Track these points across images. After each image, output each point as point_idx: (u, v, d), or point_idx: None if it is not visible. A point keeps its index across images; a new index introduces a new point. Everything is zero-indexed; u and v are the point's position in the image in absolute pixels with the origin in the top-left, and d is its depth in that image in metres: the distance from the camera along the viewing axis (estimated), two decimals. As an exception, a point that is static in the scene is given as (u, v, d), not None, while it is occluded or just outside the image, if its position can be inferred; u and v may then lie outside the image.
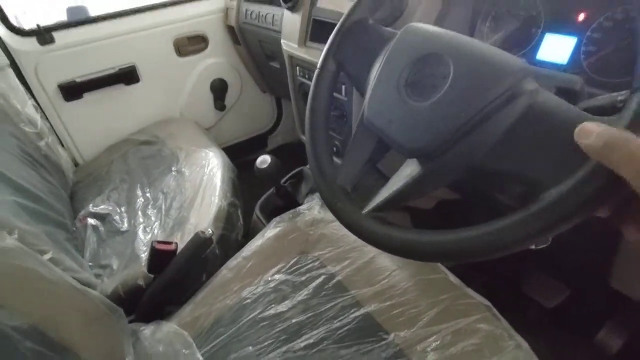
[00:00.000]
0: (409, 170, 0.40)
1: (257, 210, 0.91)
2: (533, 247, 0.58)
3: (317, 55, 0.54)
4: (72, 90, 1.12)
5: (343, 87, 0.72)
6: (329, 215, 0.70)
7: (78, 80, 1.11)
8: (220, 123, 1.40)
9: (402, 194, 0.40)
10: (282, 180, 0.91)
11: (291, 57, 0.85)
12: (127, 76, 1.17)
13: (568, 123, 0.32)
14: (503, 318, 0.52)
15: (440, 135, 0.36)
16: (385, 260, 0.61)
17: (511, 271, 0.90)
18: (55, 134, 1.15)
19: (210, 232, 0.69)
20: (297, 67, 0.85)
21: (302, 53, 0.80)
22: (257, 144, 1.53)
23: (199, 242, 0.67)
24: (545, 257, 0.80)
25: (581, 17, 0.53)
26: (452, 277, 0.58)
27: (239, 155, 1.33)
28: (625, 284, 0.58)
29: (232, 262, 0.67)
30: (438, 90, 0.37)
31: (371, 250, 0.63)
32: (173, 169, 1.01)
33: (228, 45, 1.28)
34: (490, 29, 0.63)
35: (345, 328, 0.55)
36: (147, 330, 0.64)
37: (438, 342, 0.50)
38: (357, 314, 0.56)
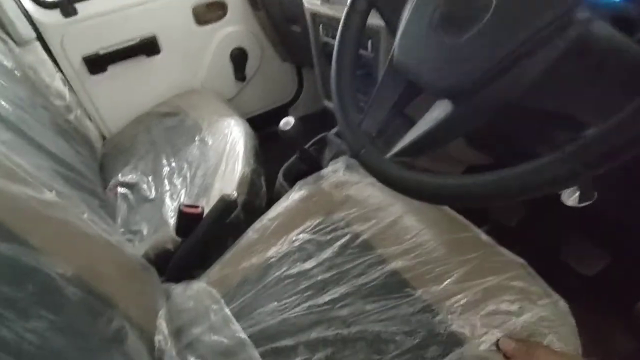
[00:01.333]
0: (438, 111, 0.38)
1: (280, 176, 0.91)
2: (578, 204, 0.55)
3: (341, 10, 0.52)
4: (96, 63, 1.13)
5: (369, 41, 0.68)
6: (354, 177, 0.69)
7: (102, 52, 1.12)
8: (241, 94, 1.39)
9: (430, 137, 0.38)
10: (306, 146, 0.90)
11: (314, 15, 0.82)
12: (148, 47, 1.17)
13: (622, 57, 0.29)
14: (539, 276, 0.50)
15: (477, 71, 0.34)
16: (413, 220, 0.59)
17: (550, 238, 0.86)
18: (83, 107, 1.18)
19: (235, 194, 0.69)
20: (321, 26, 0.82)
21: (325, 9, 0.76)
22: (278, 115, 1.52)
23: (224, 205, 0.68)
24: (587, 222, 0.76)
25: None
26: (484, 236, 0.56)
27: (261, 127, 1.32)
28: None
29: (258, 224, 0.68)
30: (477, 22, 0.34)
31: (398, 210, 0.61)
32: (196, 138, 1.01)
33: (247, 11, 1.25)
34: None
35: (371, 284, 0.54)
36: (178, 289, 0.66)
37: (468, 298, 0.49)
38: (383, 270, 0.55)
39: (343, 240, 0.61)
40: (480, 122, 0.39)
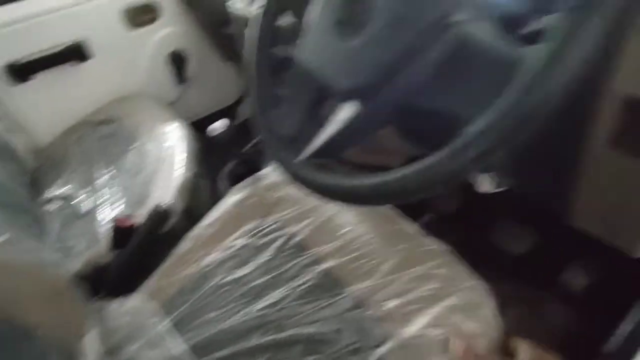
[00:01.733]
0: (344, 112, 0.39)
1: (221, 180, 0.89)
2: (494, 190, 0.58)
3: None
4: (20, 71, 1.06)
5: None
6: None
7: (25, 60, 1.05)
8: (184, 97, 1.35)
9: (339, 138, 0.39)
10: (247, 147, 0.89)
11: (241, 18, 0.81)
12: (77, 53, 1.10)
13: (495, 57, 0.31)
14: (463, 261, 0.52)
15: (369, 75, 0.35)
16: (345, 217, 0.60)
17: (480, 224, 0.91)
18: (9, 118, 1.09)
19: (169, 204, 0.67)
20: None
21: (250, 12, 0.76)
22: (227, 116, 1.49)
23: (158, 215, 0.66)
24: (511, 204, 0.81)
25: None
26: (411, 227, 0.57)
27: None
28: (586, 221, 0.59)
29: (193, 232, 0.66)
30: (367, 26, 0.35)
31: (331, 208, 0.62)
32: (133, 146, 0.97)
33: (183, 13, 1.21)
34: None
35: (305, 285, 0.55)
36: (113, 305, 0.63)
37: (396, 290, 0.50)
38: (317, 270, 0.55)
39: (278, 242, 0.60)
40: (387, 121, 0.40)
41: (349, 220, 0.59)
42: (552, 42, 0.27)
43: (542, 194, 0.59)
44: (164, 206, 0.65)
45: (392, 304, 0.49)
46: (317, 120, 0.46)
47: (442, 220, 0.93)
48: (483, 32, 0.32)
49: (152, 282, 0.64)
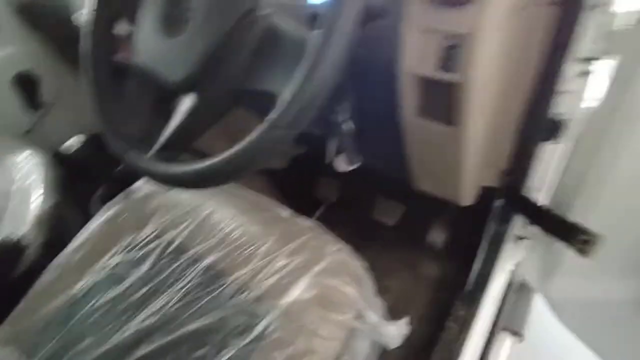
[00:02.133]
0: (185, 105, 0.41)
1: (94, 205, 0.83)
2: (348, 168, 0.65)
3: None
4: None
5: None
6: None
7: None
8: (42, 124, 1.21)
9: (184, 130, 0.41)
10: (119, 168, 0.84)
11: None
12: None
13: (295, 41, 0.37)
14: (330, 232, 0.58)
15: (197, 66, 0.38)
16: (222, 213, 0.62)
17: (362, 202, 1.01)
18: None
19: (21, 237, 0.60)
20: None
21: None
22: (97, 138, 1.37)
23: (6, 251, 0.58)
24: (381, 183, 0.93)
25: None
26: (284, 211, 0.62)
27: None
28: (423, 183, 0.71)
29: (57, 261, 0.60)
30: (188, 22, 0.38)
31: (208, 207, 0.63)
32: (-24, 183, 0.84)
33: (26, 29, 1.09)
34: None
35: (187, 286, 0.55)
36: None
37: (273, 268, 0.54)
38: (198, 269, 0.56)
39: (156, 251, 0.59)
40: (226, 106, 0.43)
41: (225, 215, 0.61)
42: (322, 28, 0.34)
43: (388, 166, 0.70)
44: (14, 239, 0.58)
45: (270, 281, 0.52)
46: (166, 116, 0.47)
47: (331, 210, 1.02)
48: (284, 22, 0.38)
49: (7, 327, 0.56)
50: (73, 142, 0.67)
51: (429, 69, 0.50)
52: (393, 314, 0.80)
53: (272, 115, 0.34)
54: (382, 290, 0.84)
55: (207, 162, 0.37)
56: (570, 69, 0.58)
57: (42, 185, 0.78)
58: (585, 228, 0.58)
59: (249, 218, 0.61)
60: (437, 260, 0.88)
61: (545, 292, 0.68)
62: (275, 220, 0.60)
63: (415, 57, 0.50)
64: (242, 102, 0.43)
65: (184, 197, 0.65)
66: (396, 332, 0.52)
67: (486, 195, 0.75)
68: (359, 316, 0.50)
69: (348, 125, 0.59)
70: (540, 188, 0.69)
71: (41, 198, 0.74)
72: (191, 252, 0.58)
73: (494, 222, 0.75)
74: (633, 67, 0.46)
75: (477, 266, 0.80)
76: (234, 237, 0.58)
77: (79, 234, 0.63)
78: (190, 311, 0.52)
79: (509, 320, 0.86)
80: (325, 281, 0.51)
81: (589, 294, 0.63)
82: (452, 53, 0.47)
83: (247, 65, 0.38)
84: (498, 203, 0.73)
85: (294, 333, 0.48)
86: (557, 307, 0.68)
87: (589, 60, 0.58)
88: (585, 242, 0.59)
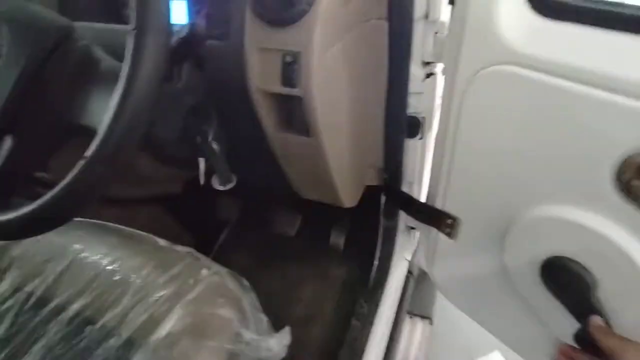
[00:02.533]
0: (2, 149, 0.38)
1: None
2: (225, 187, 0.65)
3: None
4: None
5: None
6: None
7: None
8: None
9: (4, 175, 0.38)
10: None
11: None
12: None
13: (110, 72, 0.36)
14: (204, 256, 0.57)
15: (7, 104, 0.35)
16: (90, 254, 0.58)
17: (260, 217, 1.01)
18: None
19: None
20: None
21: None
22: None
23: None
24: (275, 195, 0.94)
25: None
26: (160, 241, 0.60)
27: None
28: (305, 191, 0.73)
29: None
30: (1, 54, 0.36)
31: (72, 251, 0.58)
32: None
33: None
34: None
35: (53, 339, 0.50)
36: None
37: (146, 302, 0.51)
38: (63, 320, 0.52)
39: (15, 308, 0.54)
40: (50, 147, 0.41)
41: (94, 256, 0.57)
42: (128, 56, 0.33)
43: (269, 181, 0.71)
44: None
45: (142, 318, 0.50)
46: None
47: (235, 231, 1.00)
48: (100, 53, 0.37)
49: None
50: None
51: (275, 85, 0.51)
52: (305, 323, 0.81)
53: (89, 151, 0.33)
54: (293, 301, 0.85)
55: (21, 211, 0.34)
56: (417, 72, 0.64)
57: None
58: (448, 214, 0.64)
59: (122, 253, 0.57)
60: (342, 261, 0.91)
61: (432, 275, 0.73)
62: (149, 252, 0.57)
63: (260, 75, 0.51)
64: (68, 138, 0.41)
65: (45, 243, 0.59)
66: (277, 344, 0.52)
67: (374, 193, 0.80)
68: (237, 337, 0.49)
69: (214, 146, 0.59)
70: (414, 181, 0.75)
71: None
72: (54, 302, 0.53)
73: (384, 217, 0.79)
74: (450, 71, 0.52)
75: (375, 262, 0.85)
76: (104, 277, 0.55)
77: None
78: (57, 365, 0.48)
79: (416, 307, 0.92)
80: (199, 308, 0.50)
81: (465, 271, 0.69)
82: (290, 69, 0.49)
83: (66, 99, 0.36)
84: (383, 200, 0.78)
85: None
86: (443, 288, 0.74)
87: (429, 64, 0.65)
88: (450, 226, 0.65)
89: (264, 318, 0.56)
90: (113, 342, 0.49)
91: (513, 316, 0.64)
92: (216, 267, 0.55)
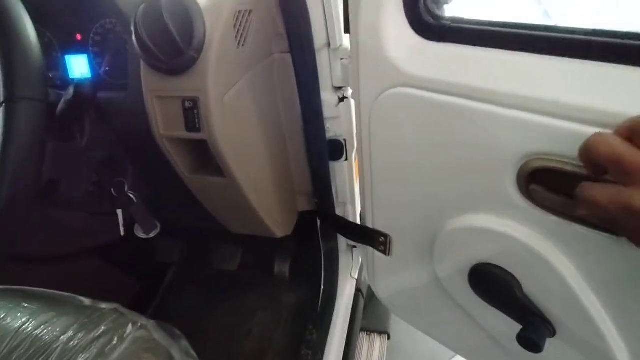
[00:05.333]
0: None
1: None
2: (148, 236, 0.64)
3: None
4: None
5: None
6: None
7: None
8: None
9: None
10: None
11: None
12: None
13: None
14: (130, 311, 0.55)
15: None
16: (8, 323, 0.55)
17: (200, 255, 1.00)
18: None
19: None
20: None
21: None
22: None
23: None
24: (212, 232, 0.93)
25: (78, 37, 0.59)
26: (85, 300, 0.58)
27: None
28: (237, 228, 0.72)
29: None
30: None
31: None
32: None
33: None
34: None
35: None
36: None
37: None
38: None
39: None
40: None
41: (11, 325, 0.55)
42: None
43: (198, 221, 0.70)
44: None
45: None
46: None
47: (179, 271, 0.98)
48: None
49: None
50: None
51: (180, 131, 0.52)
52: (256, 357, 0.80)
53: None
54: (244, 335, 0.83)
55: None
56: (328, 97, 0.66)
57: None
58: (380, 231, 0.66)
59: (44, 318, 0.55)
60: (290, 288, 0.90)
61: (376, 291, 0.74)
62: (73, 313, 0.55)
63: (163, 122, 0.52)
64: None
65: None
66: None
67: (312, 217, 0.80)
68: (167, 390, 0.48)
69: (131, 196, 0.58)
70: (347, 202, 0.76)
71: None
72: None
73: (322, 241, 0.80)
74: (357, 95, 0.53)
75: (322, 285, 0.85)
76: (25, 347, 0.52)
77: None
78: None
79: (372, 324, 0.93)
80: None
81: (405, 286, 0.70)
82: (191, 114, 0.50)
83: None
84: (319, 223, 0.79)
85: None
86: (388, 303, 0.74)
87: (340, 88, 0.67)
88: (383, 243, 0.66)
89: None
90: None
91: (456, 325, 0.65)
92: (143, 320, 0.54)
